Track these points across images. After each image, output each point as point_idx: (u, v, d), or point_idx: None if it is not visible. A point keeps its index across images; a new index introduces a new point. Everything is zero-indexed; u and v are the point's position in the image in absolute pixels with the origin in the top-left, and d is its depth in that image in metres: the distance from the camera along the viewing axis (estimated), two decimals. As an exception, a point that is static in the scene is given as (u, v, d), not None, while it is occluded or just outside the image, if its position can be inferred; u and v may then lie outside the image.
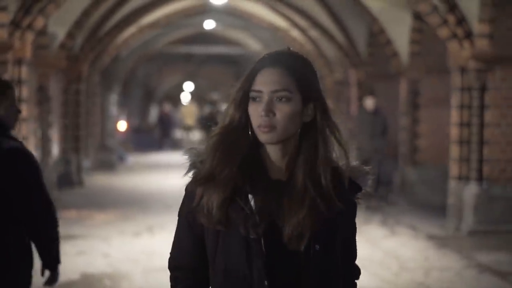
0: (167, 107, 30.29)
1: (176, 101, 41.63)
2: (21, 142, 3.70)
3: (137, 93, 31.74)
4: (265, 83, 2.07)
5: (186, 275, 2.20)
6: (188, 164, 2.15)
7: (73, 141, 14.92)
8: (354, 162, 2.18)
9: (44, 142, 12.44)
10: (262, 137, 2.07)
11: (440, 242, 9.41)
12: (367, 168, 2.19)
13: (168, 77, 37.75)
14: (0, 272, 3.50)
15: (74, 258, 8.18)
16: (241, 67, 33.68)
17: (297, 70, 2.10)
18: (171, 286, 2.23)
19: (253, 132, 2.11)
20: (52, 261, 3.71)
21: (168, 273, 2.23)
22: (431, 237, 9.71)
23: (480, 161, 10.01)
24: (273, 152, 2.11)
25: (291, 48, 2.16)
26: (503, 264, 8.13)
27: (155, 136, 28.61)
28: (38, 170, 3.65)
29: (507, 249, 8.89)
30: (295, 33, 18.00)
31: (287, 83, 2.07)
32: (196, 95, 43.16)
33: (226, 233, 2.08)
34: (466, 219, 9.98)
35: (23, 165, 3.62)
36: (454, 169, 10.36)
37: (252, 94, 2.08)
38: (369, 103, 12.25)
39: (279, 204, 2.07)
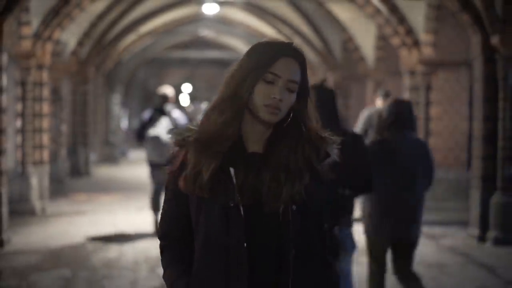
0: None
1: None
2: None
3: (137, 95, 33.67)
4: (285, 70, 2.18)
5: (173, 243, 2.31)
6: (173, 142, 2.26)
7: (81, 136, 16.85)
8: (324, 133, 2.28)
9: (57, 136, 14.37)
10: (267, 116, 2.18)
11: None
12: (334, 137, 2.29)
13: (167, 80, 39.56)
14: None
15: (87, 227, 10.10)
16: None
17: (305, 69, 2.23)
18: (160, 253, 2.35)
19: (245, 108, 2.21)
20: None
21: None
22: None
23: (427, 149, 11.92)
24: (258, 128, 2.23)
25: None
26: (436, 231, 10.01)
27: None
28: None
29: (443, 220, 10.79)
30: (280, 39, 19.81)
31: (298, 77, 2.21)
32: (196, 96, 45.01)
33: (209, 201, 2.18)
34: (415, 198, 11.89)
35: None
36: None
37: (268, 76, 2.17)
38: (379, 103, 10.33)
39: (259, 175, 2.19)
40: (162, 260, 2.33)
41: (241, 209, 2.15)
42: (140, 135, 9.28)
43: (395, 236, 5.12)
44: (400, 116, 5.17)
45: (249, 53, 2.23)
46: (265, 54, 2.19)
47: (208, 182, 2.16)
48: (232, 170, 2.17)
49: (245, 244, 2.14)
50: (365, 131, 10.02)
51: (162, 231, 2.33)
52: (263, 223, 2.17)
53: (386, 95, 10.13)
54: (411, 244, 5.18)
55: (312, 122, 2.26)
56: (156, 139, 9.09)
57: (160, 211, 8.20)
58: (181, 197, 2.24)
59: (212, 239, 2.18)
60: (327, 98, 4.43)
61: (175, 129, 2.27)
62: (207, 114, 2.23)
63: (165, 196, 2.32)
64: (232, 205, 2.15)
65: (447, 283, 7.18)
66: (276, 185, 2.17)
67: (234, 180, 2.16)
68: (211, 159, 2.16)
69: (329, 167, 2.29)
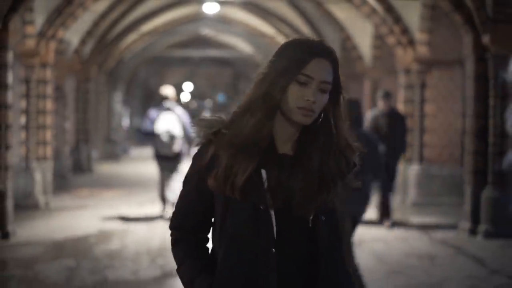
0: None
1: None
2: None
3: (138, 93, 33.95)
4: (318, 71, 2.14)
5: (187, 235, 2.27)
6: (198, 135, 2.21)
7: (84, 133, 17.14)
8: (351, 141, 2.28)
9: (60, 133, 14.66)
10: (300, 118, 2.15)
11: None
12: (358, 145, 2.29)
13: (168, 79, 39.83)
14: None
15: (89, 220, 10.38)
16: (237, 68, 35.82)
17: (337, 69, 2.20)
18: (172, 244, 2.30)
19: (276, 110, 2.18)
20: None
21: (167, 226, 2.37)
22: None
23: (421, 146, 12.21)
24: (289, 129, 2.20)
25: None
26: (429, 225, 10.29)
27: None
28: None
29: (437, 214, 11.07)
30: (280, 39, 20.11)
31: (331, 77, 2.17)
32: (197, 95, 45.33)
33: (238, 202, 2.14)
34: (410, 194, 12.17)
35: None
36: (402, 153, 12.54)
37: (301, 77, 2.14)
38: (380, 104, 10.35)
39: (290, 177, 2.16)
40: (175, 253, 2.28)
41: (272, 212, 2.13)
42: (151, 133, 10.01)
43: (352, 214, 5.98)
44: (349, 114, 5.74)
45: (279, 53, 2.19)
46: (297, 55, 2.15)
47: (242, 185, 2.12)
48: (263, 172, 2.15)
49: (273, 250, 2.12)
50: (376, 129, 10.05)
51: (176, 223, 2.29)
52: (291, 227, 2.16)
53: (386, 96, 10.35)
54: (358, 220, 6.13)
55: (342, 121, 2.26)
56: (166, 133, 9.84)
57: (168, 201, 8.52)
58: (206, 193, 2.21)
59: (240, 241, 2.15)
60: None
61: (202, 120, 2.22)
62: (238, 115, 2.19)
63: (184, 189, 2.27)
64: (262, 208, 2.13)
65: (436, 272, 7.45)
66: (309, 189, 2.15)
67: (266, 183, 2.14)
68: (247, 162, 2.13)
69: (354, 177, 2.29)
